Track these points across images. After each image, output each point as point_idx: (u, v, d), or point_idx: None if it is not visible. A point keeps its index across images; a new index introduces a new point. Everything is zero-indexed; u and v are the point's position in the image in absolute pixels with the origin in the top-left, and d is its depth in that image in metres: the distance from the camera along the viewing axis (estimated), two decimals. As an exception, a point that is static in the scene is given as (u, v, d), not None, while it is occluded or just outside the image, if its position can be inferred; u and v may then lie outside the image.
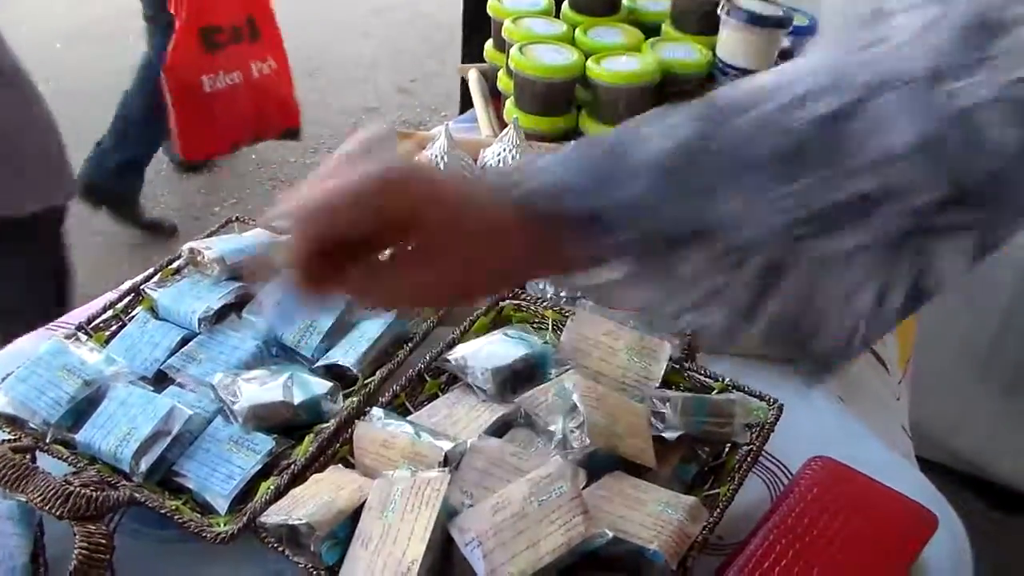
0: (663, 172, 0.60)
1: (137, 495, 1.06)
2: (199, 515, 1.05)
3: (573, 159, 0.64)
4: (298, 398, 1.16)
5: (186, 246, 1.37)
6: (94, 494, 1.02)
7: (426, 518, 0.95)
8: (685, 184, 0.60)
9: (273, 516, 1.00)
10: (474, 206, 0.61)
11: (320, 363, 1.18)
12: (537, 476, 0.99)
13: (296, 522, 0.97)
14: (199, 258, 1.34)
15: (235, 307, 1.24)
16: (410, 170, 0.60)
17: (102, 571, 0.98)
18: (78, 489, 1.01)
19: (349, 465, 1.09)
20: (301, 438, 1.13)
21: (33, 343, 1.35)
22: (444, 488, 0.97)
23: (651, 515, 0.99)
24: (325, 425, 1.13)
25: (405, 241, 0.61)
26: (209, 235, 1.41)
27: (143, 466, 1.08)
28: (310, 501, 0.96)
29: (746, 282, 0.60)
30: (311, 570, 0.98)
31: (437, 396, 1.22)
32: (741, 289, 0.61)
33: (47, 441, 1.12)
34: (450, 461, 1.04)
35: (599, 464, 1.07)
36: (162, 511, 1.04)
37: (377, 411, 1.11)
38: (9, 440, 1.10)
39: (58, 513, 1.00)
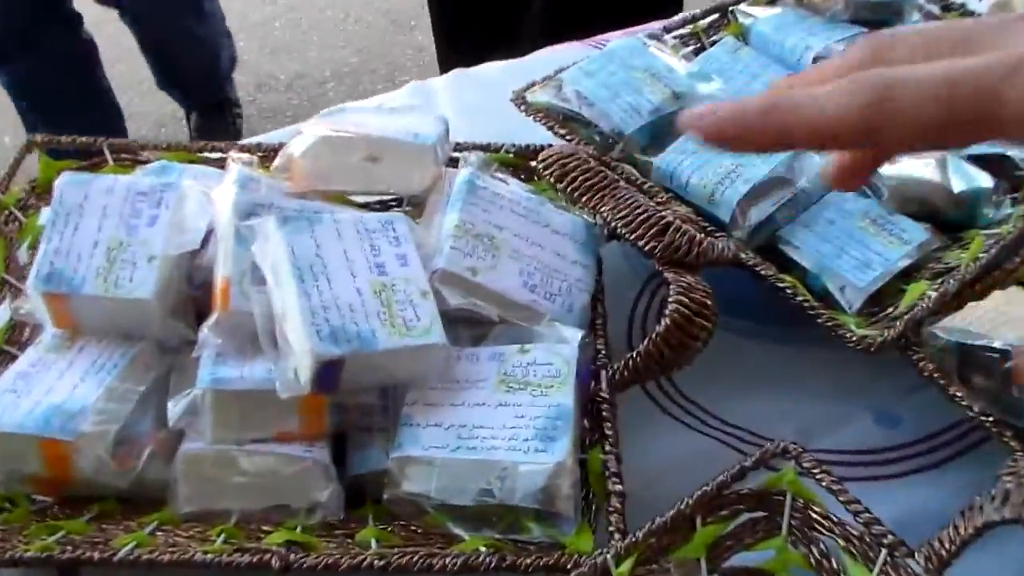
0: None
1: (744, 255, 0.71)
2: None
3: None
4: (957, 186, 0.77)
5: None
6: (699, 236, 0.68)
7: None
8: None
9: (947, 330, 0.63)
10: None
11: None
12: None
13: (999, 345, 0.60)
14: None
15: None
16: None
17: (700, 343, 0.65)
18: (679, 223, 0.68)
19: None
20: (953, 239, 0.75)
21: (565, 52, 1.05)
22: None
23: None
24: (998, 231, 0.73)
25: None
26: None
27: (752, 218, 0.74)
28: (1009, 324, 0.57)
29: None
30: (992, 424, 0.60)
31: None
32: None
33: (613, 156, 0.79)
34: None
35: None
36: (779, 285, 0.69)
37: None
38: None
39: (649, 247, 0.67)
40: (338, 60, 2.81)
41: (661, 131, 0.82)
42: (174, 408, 0.61)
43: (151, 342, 0.66)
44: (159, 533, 0.60)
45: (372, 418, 0.63)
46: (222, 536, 0.59)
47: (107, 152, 0.81)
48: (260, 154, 0.79)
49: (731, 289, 0.70)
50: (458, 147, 0.80)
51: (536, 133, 0.83)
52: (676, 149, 0.79)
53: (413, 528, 0.60)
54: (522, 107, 0.85)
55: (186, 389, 0.61)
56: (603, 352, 0.66)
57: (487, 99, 0.94)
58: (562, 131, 0.82)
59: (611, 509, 0.57)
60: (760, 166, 0.77)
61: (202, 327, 0.62)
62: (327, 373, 0.57)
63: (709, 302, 0.65)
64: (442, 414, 0.60)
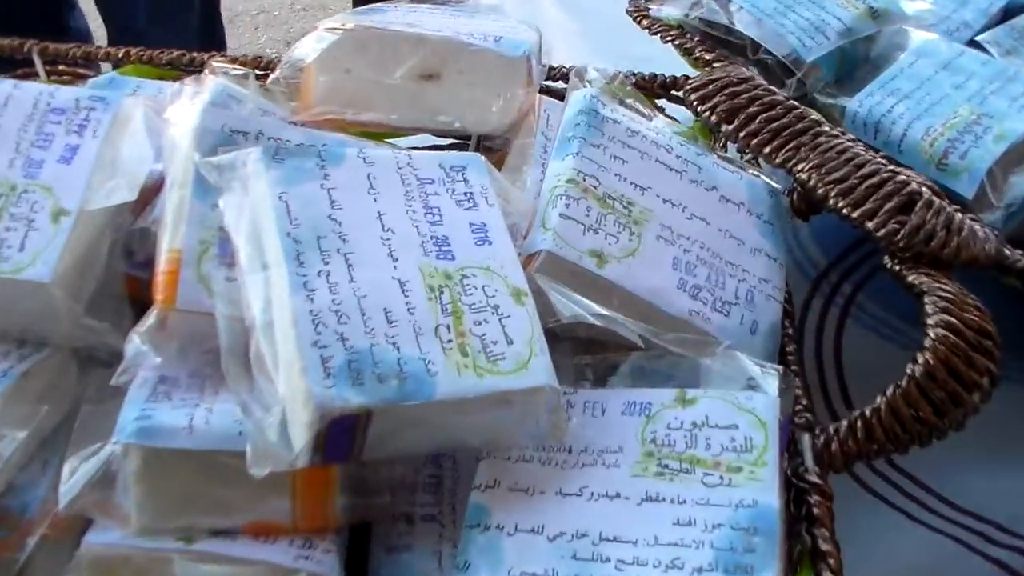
0: None
1: (1008, 252, 0.45)
2: None
3: None
4: None
5: None
6: (958, 216, 0.41)
7: None
8: None
9: None
10: None
11: None
12: None
13: None
14: None
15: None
16: None
17: (979, 395, 0.38)
18: (929, 195, 0.41)
19: None
20: None
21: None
22: None
23: None
24: None
25: None
26: None
27: (1012, 193, 0.47)
28: None
29: None
30: None
31: None
32: None
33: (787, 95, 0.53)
34: None
35: None
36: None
37: None
38: (735, 76, 0.51)
39: (886, 231, 0.40)
40: (375, 18, 2.56)
41: (854, 61, 0.56)
42: (76, 473, 0.35)
43: (54, 353, 0.40)
44: None
45: (414, 501, 0.37)
46: None
47: (37, 60, 0.56)
48: (258, 71, 0.52)
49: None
50: (552, 72, 0.53)
51: (651, 66, 0.56)
52: (882, 87, 0.53)
53: None
54: (643, 23, 0.58)
55: (98, 440, 0.35)
56: (805, 403, 0.39)
57: (580, 20, 0.68)
58: (708, 57, 0.55)
59: None
60: (1016, 115, 0.50)
61: (131, 334, 0.36)
62: (339, 435, 0.31)
63: (990, 327, 0.38)
64: (544, 510, 0.33)
